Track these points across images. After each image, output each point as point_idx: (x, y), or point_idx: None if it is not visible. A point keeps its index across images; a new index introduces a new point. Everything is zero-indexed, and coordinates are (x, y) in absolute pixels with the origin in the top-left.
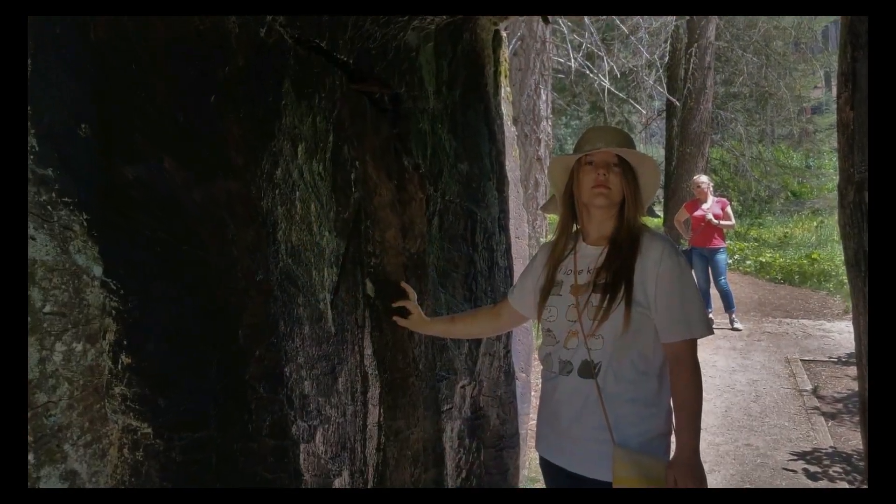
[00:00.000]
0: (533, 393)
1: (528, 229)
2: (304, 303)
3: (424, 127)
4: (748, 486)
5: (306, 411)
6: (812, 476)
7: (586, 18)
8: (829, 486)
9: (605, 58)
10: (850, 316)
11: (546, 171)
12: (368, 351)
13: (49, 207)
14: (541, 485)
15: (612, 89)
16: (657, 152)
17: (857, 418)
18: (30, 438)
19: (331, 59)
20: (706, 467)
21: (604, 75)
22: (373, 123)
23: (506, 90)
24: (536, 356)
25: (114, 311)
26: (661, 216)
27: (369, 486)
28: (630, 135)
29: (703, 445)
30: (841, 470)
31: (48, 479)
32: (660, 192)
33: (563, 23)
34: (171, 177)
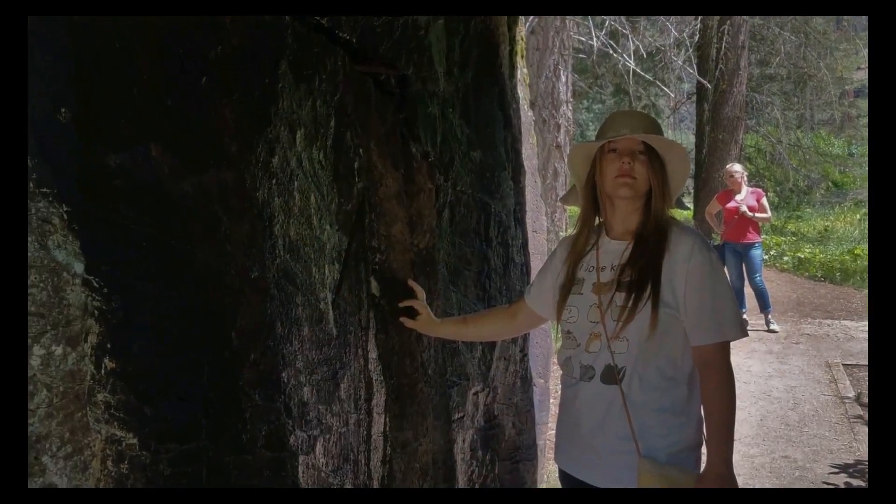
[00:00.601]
0: (552, 400)
1: (546, 222)
2: (303, 302)
3: (434, 111)
4: None
5: (305, 420)
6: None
7: None
8: None
9: (630, 36)
10: None
11: (566, 160)
12: (373, 355)
13: None
14: None
15: (638, 70)
16: (687, 139)
17: None
18: None
19: (332, 38)
20: (740, 481)
21: (629, 55)
22: (378, 108)
23: (522, 71)
24: (555, 360)
25: (96, 312)
26: (691, 208)
27: None
28: (657, 120)
29: (736, 457)
30: None
31: None
32: (689, 183)
33: None
34: (159, 165)
